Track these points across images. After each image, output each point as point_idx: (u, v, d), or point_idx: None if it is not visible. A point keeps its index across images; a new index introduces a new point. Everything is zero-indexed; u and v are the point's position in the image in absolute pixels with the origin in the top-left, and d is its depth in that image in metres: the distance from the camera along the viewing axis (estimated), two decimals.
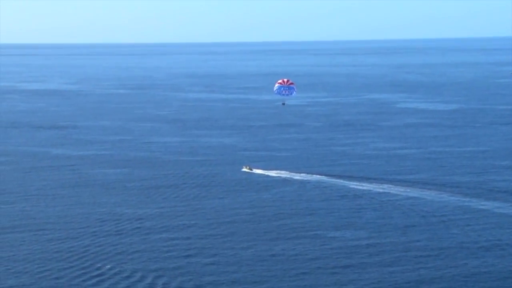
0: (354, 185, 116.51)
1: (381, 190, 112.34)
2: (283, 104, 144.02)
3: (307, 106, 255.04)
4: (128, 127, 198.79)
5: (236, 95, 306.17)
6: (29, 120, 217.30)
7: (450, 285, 71.81)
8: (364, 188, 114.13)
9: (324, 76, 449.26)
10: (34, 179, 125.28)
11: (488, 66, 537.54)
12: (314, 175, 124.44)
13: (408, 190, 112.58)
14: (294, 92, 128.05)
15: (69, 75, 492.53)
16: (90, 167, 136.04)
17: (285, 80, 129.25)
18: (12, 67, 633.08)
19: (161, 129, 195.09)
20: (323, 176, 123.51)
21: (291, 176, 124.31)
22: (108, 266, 77.11)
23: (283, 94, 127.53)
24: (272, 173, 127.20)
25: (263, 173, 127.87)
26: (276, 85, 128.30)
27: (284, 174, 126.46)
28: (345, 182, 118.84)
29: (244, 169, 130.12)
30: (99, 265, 77.71)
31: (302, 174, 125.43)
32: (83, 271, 75.96)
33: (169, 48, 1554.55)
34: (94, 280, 73.36)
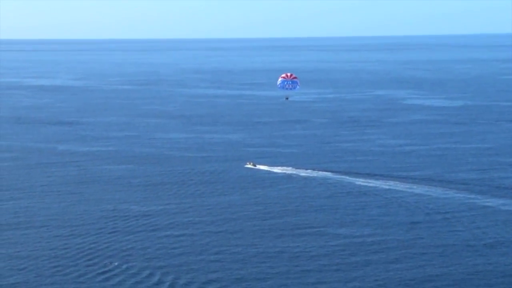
0: (359, 181, 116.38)
1: (386, 187, 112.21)
2: (287, 98, 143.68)
3: (313, 102, 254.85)
4: (134, 123, 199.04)
5: (241, 91, 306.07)
6: (34, 116, 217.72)
7: (455, 282, 71.71)
8: (370, 184, 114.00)
9: (330, 72, 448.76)
10: (40, 175, 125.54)
11: (494, 63, 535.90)
12: (319, 172, 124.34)
13: (414, 187, 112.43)
14: (298, 87, 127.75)
15: (75, 70, 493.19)
16: (96, 163, 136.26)
17: (289, 74, 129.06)
18: (17, 62, 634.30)
19: (167, 125, 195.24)
20: (328, 173, 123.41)
21: (296, 173, 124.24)
22: (116, 263, 77.16)
23: (287, 89, 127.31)
24: (276, 169, 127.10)
25: (267, 169, 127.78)
26: (280, 79, 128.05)
27: (288, 170, 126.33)
28: (350, 178, 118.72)
29: (248, 165, 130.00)
30: (105, 262, 77.79)
31: (307, 171, 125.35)
32: (89, 268, 76.06)
33: (175, 44, 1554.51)
34: (101, 277, 73.44)
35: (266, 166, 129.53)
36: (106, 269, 75.80)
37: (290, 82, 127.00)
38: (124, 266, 76.48)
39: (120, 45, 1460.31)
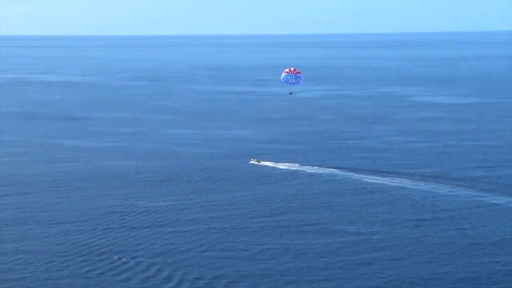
0: (366, 178, 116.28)
1: (393, 184, 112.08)
2: (291, 93, 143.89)
3: (320, 99, 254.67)
4: (141, 119, 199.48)
5: (248, 88, 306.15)
6: (42, 111, 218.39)
7: (461, 280, 71.62)
8: (376, 181, 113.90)
9: (337, 69, 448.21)
10: (47, 170, 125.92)
11: (503, 60, 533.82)
12: (326, 168, 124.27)
13: (421, 184, 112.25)
14: (301, 81, 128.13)
15: (83, 66, 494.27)
16: (103, 159, 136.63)
17: (292, 69, 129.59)
18: (26, 58, 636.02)
19: (173, 121, 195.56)
20: (335, 169, 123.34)
21: (301, 169, 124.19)
22: (123, 259, 77.36)
23: (290, 83, 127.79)
24: (282, 166, 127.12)
25: (272, 165, 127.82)
26: (283, 74, 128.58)
27: (294, 167, 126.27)
28: (356, 175, 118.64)
29: (252, 162, 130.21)
30: (114, 257, 77.94)
31: (313, 167, 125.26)
32: (97, 264, 76.29)
33: (183, 40, 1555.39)
34: (109, 274, 73.61)
35: (271, 163, 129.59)
36: (113, 265, 76.06)
37: (294, 77, 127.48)
38: (132, 262, 76.73)
39: (128, 41, 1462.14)
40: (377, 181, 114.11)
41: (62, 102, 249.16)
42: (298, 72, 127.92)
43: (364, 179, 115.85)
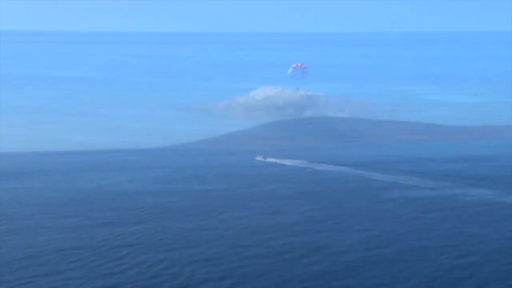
0: (374, 176, 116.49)
1: (401, 182, 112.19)
2: (297, 88, 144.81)
3: (329, 96, 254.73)
4: (152, 114, 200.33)
5: (257, 85, 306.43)
6: (54, 106, 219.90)
7: (467, 278, 71.65)
8: (384, 179, 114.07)
9: (348, 66, 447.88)
10: (57, 165, 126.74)
11: None
12: (335, 166, 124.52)
13: (431, 182, 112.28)
14: (307, 76, 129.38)
15: (96, 62, 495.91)
16: (113, 154, 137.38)
17: (299, 64, 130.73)
18: (40, 53, 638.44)
19: (184, 117, 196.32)
20: (343, 167, 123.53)
21: (309, 166, 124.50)
22: (132, 255, 77.73)
23: (297, 78, 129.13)
24: (287, 162, 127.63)
25: (278, 162, 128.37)
26: (290, 69, 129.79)
27: (300, 163, 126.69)
28: (364, 172, 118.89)
29: (258, 158, 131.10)
30: (124, 252, 78.37)
31: (321, 164, 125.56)
32: (106, 259, 76.75)
33: (196, 37, 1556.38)
34: (117, 269, 74.03)
35: (277, 159, 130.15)
36: (123, 260, 76.48)
37: (300, 72, 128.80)
38: (141, 258, 77.16)
39: (141, 38, 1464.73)
40: (385, 179, 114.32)
41: (73, 97, 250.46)
42: (305, 67, 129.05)
43: (373, 177, 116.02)
